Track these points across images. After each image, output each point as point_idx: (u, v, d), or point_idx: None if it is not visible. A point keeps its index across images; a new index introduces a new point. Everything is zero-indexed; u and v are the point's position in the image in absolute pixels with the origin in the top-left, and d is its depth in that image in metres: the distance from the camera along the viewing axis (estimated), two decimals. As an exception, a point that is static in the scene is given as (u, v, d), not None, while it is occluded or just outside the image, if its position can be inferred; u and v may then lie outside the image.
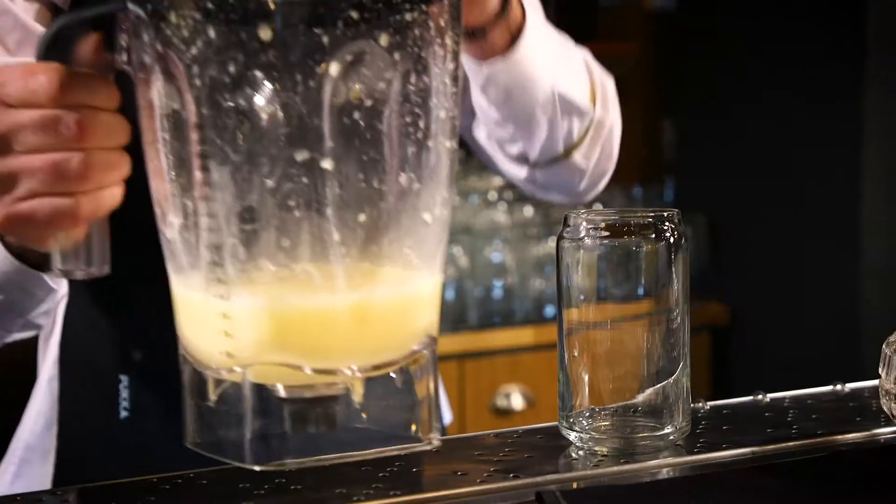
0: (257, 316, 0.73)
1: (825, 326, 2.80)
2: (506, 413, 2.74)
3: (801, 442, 0.94)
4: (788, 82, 2.93)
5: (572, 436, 0.92)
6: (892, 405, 0.90)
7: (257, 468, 0.75)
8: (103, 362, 1.25)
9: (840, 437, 0.95)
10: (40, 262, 0.93)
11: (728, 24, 3.12)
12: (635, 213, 0.93)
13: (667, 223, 0.92)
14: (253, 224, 0.72)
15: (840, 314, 2.77)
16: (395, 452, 0.79)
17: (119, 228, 1.22)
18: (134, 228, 1.20)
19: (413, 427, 0.79)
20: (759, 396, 1.08)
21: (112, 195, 0.82)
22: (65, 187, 0.79)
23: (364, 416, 0.77)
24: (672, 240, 0.92)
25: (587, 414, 0.92)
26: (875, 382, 0.97)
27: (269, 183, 0.72)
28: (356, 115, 0.73)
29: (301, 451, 0.77)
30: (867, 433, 0.96)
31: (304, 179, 0.72)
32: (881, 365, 0.92)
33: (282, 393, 0.75)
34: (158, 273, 1.23)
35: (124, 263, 1.23)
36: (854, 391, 1.11)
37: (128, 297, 1.25)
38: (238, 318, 0.73)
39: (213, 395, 0.77)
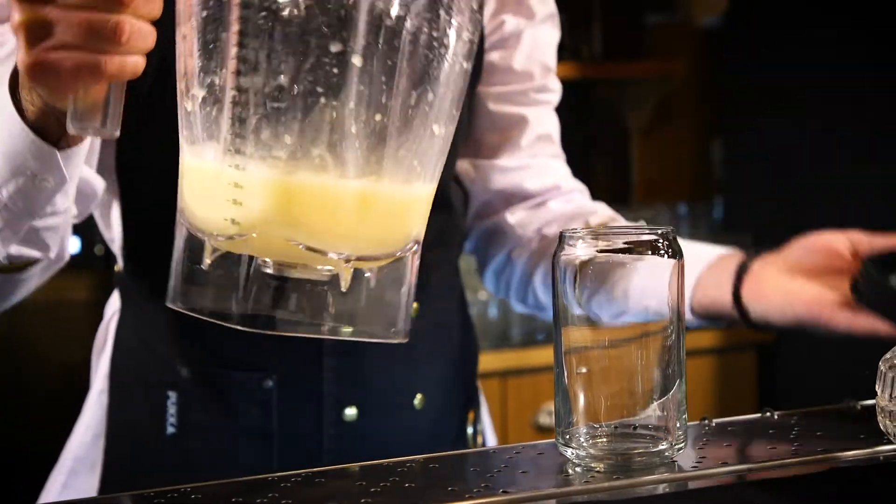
0: (269, 188, 0.78)
1: (872, 345, 2.77)
2: (549, 430, 2.74)
3: (799, 459, 0.93)
4: (838, 100, 2.91)
5: (569, 452, 0.93)
6: (888, 423, 0.90)
7: (241, 328, 0.84)
8: (152, 378, 1.28)
9: (840, 454, 0.95)
10: (56, 136, 0.97)
11: (776, 42, 3.11)
12: (631, 231, 0.93)
13: (662, 240, 0.93)
14: (280, 103, 0.78)
15: (887, 332, 2.74)
16: (363, 339, 0.87)
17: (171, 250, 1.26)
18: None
19: (385, 322, 0.84)
20: (768, 414, 1.08)
21: (136, 62, 0.86)
22: (95, 45, 0.84)
23: (342, 305, 0.82)
24: (667, 257, 0.93)
25: (584, 431, 0.93)
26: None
27: (302, 67, 0.77)
28: (389, 21, 0.78)
29: (282, 325, 0.85)
30: (868, 450, 0.96)
31: (335, 70, 0.78)
32: (878, 382, 0.92)
33: (269, 269, 0.80)
34: None
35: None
36: (866, 408, 1.10)
37: (177, 316, 1.28)
38: (250, 187, 0.79)
39: (208, 260, 0.82)
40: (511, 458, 0.95)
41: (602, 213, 1.42)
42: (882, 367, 0.91)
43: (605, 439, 0.93)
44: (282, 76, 0.78)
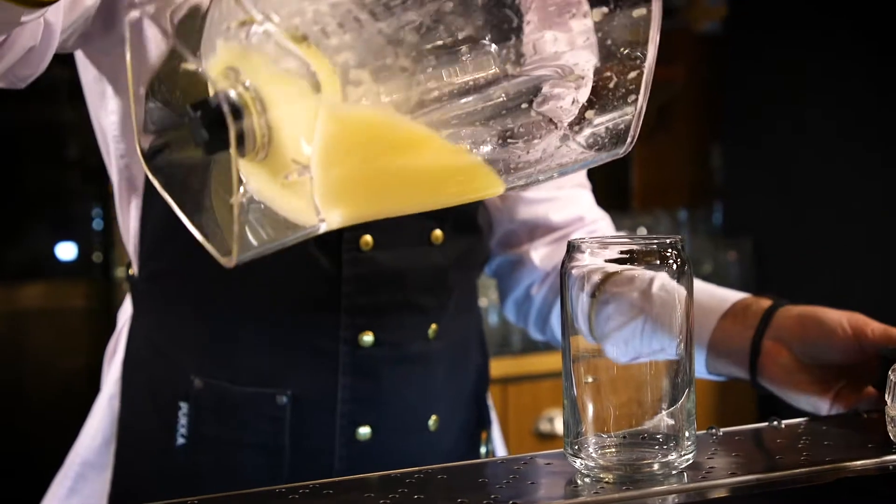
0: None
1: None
2: (549, 437, 2.74)
3: (809, 469, 0.93)
4: (838, 105, 2.91)
5: (577, 463, 0.92)
6: (898, 432, 0.90)
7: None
8: (163, 388, 1.27)
9: (849, 463, 0.95)
10: None
11: (775, 48, 3.11)
12: (639, 241, 0.93)
13: (670, 250, 0.93)
14: (447, 32, 0.73)
15: (888, 338, 2.74)
16: (196, 232, 0.77)
17: (191, 267, 1.25)
18: (204, 266, 1.23)
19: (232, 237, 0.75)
20: (775, 423, 1.08)
21: None
22: None
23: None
24: (675, 266, 0.92)
25: (593, 441, 0.93)
26: None
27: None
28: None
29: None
30: (876, 460, 0.95)
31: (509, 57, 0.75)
32: (888, 391, 0.92)
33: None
34: (221, 306, 1.25)
35: (190, 295, 1.26)
36: (874, 419, 1.10)
37: (192, 326, 1.27)
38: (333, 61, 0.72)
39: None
40: (519, 469, 0.95)
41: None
42: (892, 376, 0.91)
43: (613, 449, 0.92)
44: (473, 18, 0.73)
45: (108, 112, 1.24)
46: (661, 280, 1.34)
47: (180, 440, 1.25)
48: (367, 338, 1.25)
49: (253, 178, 0.74)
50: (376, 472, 1.21)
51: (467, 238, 1.33)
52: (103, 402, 1.32)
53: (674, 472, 0.92)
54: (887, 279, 2.77)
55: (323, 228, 0.76)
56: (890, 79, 2.78)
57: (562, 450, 0.95)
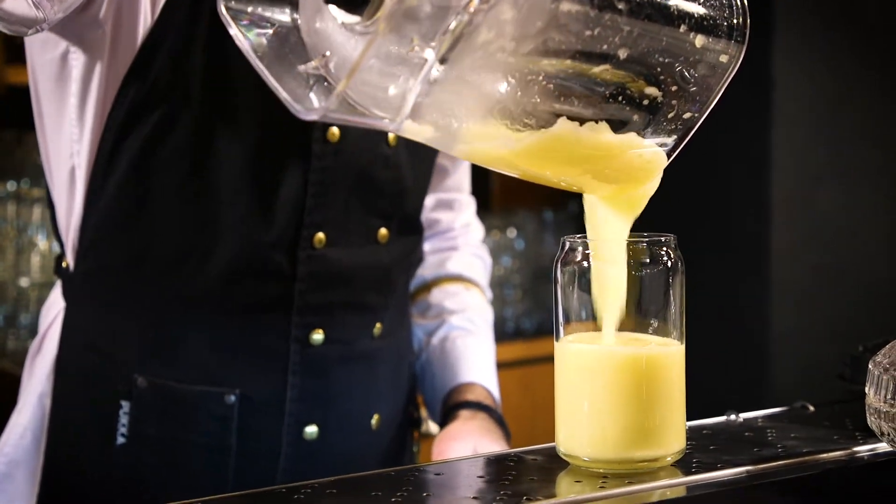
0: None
1: (736, 348, 2.85)
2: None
3: (791, 461, 0.96)
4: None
5: (571, 458, 0.93)
6: (883, 423, 0.93)
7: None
8: (103, 386, 1.23)
9: (824, 455, 0.98)
10: None
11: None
12: (631, 238, 0.94)
13: (663, 248, 0.94)
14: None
15: (749, 334, 2.83)
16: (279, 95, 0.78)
17: (137, 264, 1.22)
18: (152, 264, 1.19)
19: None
20: (732, 417, 1.10)
21: None
22: None
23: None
24: (669, 264, 0.94)
25: (586, 436, 0.93)
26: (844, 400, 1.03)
27: None
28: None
29: None
30: (848, 451, 0.99)
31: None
32: (868, 383, 0.94)
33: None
34: (169, 305, 1.22)
35: (135, 293, 1.22)
36: (821, 411, 1.14)
37: (136, 324, 1.24)
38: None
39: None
40: (514, 466, 0.95)
41: (455, 267, 1.48)
42: (874, 369, 0.93)
43: (605, 445, 0.93)
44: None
45: (68, 94, 1.19)
46: (448, 331, 1.42)
47: (120, 439, 1.21)
48: (318, 336, 1.24)
49: (343, 50, 0.74)
50: (319, 469, 1.20)
51: (409, 238, 1.34)
52: (32, 400, 1.27)
53: (666, 465, 0.93)
54: (751, 277, 2.86)
55: (394, 129, 0.76)
56: (754, 96, 2.87)
57: (552, 444, 0.95)
